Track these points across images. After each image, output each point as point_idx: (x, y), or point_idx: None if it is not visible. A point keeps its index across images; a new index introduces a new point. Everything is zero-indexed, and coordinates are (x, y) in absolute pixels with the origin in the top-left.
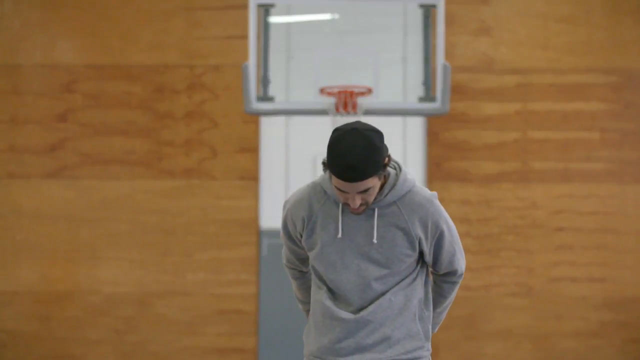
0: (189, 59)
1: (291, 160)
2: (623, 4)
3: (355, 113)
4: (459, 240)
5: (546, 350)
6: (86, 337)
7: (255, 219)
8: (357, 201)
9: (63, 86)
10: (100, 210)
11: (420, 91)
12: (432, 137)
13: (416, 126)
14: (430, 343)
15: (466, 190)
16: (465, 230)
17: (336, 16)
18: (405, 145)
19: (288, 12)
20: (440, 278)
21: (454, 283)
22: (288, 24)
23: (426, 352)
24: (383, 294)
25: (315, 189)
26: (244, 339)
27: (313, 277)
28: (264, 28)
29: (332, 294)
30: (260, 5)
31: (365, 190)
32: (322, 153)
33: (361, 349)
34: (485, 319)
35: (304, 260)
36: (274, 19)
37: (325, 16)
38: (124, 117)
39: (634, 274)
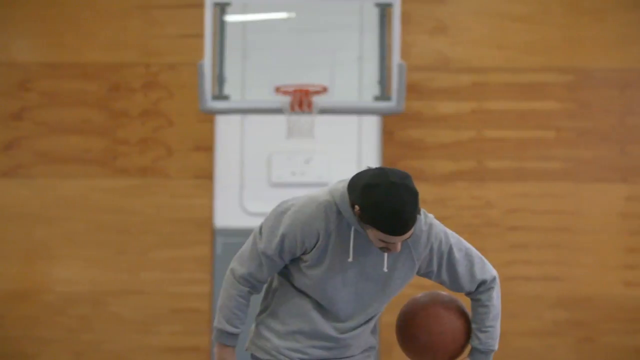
0: (145, 57)
1: (246, 159)
2: (580, 4)
3: (310, 112)
4: (474, 250)
5: (500, 349)
6: (40, 336)
7: (210, 217)
8: (400, 246)
9: (19, 84)
10: (55, 209)
11: (375, 90)
12: (387, 136)
13: (371, 125)
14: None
15: (421, 189)
16: None
17: (292, 15)
18: (360, 144)
19: (244, 10)
20: (475, 294)
21: (490, 289)
22: (244, 23)
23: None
24: (373, 317)
25: (331, 208)
26: (198, 338)
27: (292, 283)
28: (220, 27)
29: (321, 307)
30: (216, 4)
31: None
32: (278, 151)
33: (328, 357)
34: None
35: (269, 278)
36: (230, 18)
37: (282, 15)
38: (80, 115)
39: (589, 273)
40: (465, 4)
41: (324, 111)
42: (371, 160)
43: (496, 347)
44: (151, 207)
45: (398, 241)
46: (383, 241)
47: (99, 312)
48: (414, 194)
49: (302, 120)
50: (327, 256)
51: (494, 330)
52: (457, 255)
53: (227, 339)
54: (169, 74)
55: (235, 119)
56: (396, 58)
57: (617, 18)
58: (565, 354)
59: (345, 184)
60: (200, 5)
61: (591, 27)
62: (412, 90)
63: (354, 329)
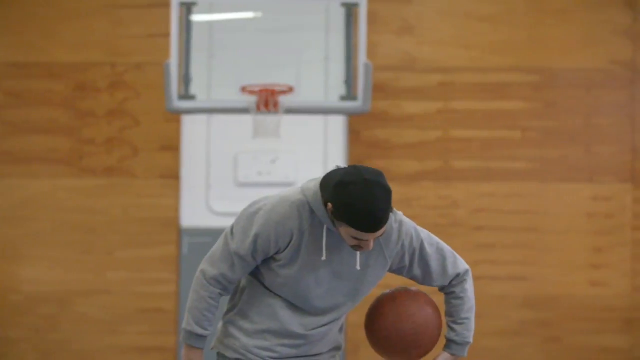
0: (111, 57)
1: (213, 158)
2: (545, 4)
3: (276, 112)
4: (445, 245)
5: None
6: (6, 336)
7: (176, 217)
8: (372, 244)
9: None
10: (22, 209)
11: (341, 90)
12: (354, 136)
13: (337, 125)
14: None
15: None
16: None
17: (259, 15)
18: (326, 144)
19: (210, 10)
20: (448, 287)
21: (463, 281)
22: (210, 23)
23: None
24: (342, 316)
25: (304, 207)
26: (165, 338)
27: (263, 283)
28: (187, 26)
29: (291, 306)
30: (182, 4)
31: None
32: (244, 151)
33: (298, 357)
34: None
35: (240, 279)
36: (196, 18)
37: (248, 15)
38: (46, 115)
39: (555, 273)
40: (432, 4)
41: (290, 111)
42: (337, 160)
43: (472, 339)
44: (117, 207)
45: (371, 239)
46: (356, 239)
47: (65, 312)
48: (388, 192)
49: (269, 120)
50: (300, 255)
51: (470, 322)
52: (429, 250)
53: (196, 341)
54: (135, 73)
55: (201, 118)
56: (362, 58)
57: (583, 18)
58: (531, 353)
59: (318, 183)
60: (167, 5)
61: (557, 27)
62: (379, 90)
63: (324, 325)
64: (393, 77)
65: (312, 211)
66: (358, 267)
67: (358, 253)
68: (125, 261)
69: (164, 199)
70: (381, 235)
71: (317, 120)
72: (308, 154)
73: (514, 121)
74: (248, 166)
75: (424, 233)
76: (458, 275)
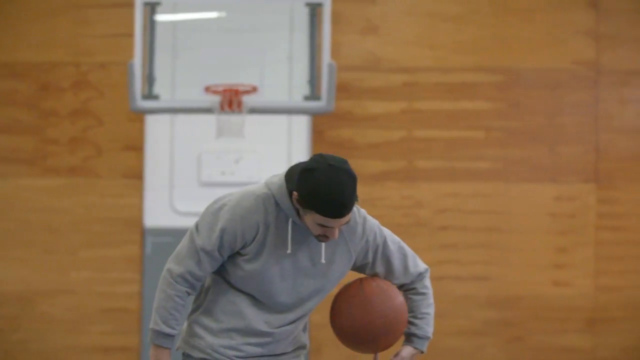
0: (75, 56)
1: (176, 158)
2: (509, 4)
3: (240, 111)
4: (405, 244)
5: (430, 348)
6: None
7: (139, 217)
8: (337, 232)
9: None
10: None
11: (305, 90)
12: (317, 136)
13: (301, 125)
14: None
15: None
16: None
17: (222, 14)
18: (290, 143)
19: (174, 10)
20: (409, 284)
21: (424, 278)
22: (174, 22)
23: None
24: (307, 313)
25: (269, 200)
26: (128, 338)
27: (228, 281)
28: (150, 26)
29: (257, 303)
30: (146, 4)
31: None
32: (207, 151)
33: (264, 355)
34: None
35: (207, 276)
36: (160, 17)
37: (212, 14)
38: (9, 115)
39: (518, 273)
40: (396, 4)
41: (254, 111)
42: (301, 159)
43: (431, 335)
44: (81, 206)
45: (336, 225)
46: (322, 226)
47: (28, 311)
48: (353, 178)
49: (232, 119)
50: (265, 249)
51: (430, 317)
52: (392, 247)
53: (164, 340)
54: (98, 73)
55: (165, 118)
56: (326, 58)
57: (546, 18)
58: (494, 353)
59: (282, 176)
60: (130, 5)
61: (520, 27)
62: (342, 90)
63: (289, 323)
64: (357, 77)
65: (277, 204)
66: (323, 260)
67: (323, 246)
68: (88, 261)
69: (128, 199)
70: (346, 224)
71: (280, 120)
72: (272, 153)
73: (478, 121)
74: (211, 166)
75: (387, 231)
76: (420, 274)
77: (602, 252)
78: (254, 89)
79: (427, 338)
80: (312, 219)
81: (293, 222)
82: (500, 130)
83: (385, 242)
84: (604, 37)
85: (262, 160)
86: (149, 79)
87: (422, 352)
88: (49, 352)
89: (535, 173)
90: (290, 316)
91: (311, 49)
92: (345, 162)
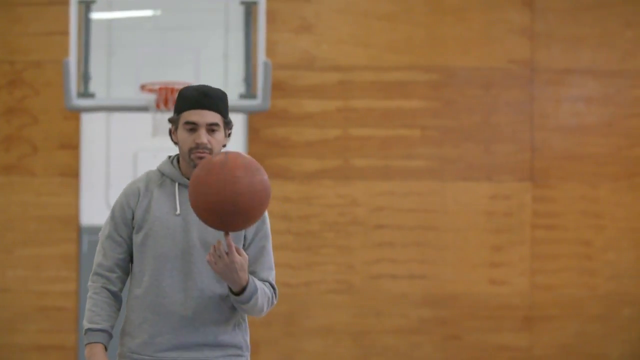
0: (9, 54)
1: (112, 156)
2: (443, 3)
3: None
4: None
5: (366, 347)
6: None
7: (75, 215)
8: (204, 137)
9: None
10: None
11: (241, 88)
12: (253, 134)
13: (237, 123)
14: (249, 353)
15: (287, 187)
16: (286, 227)
17: (158, 13)
18: None
19: (109, 8)
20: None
21: (271, 286)
22: (109, 20)
23: None
24: (210, 290)
25: (154, 173)
26: (64, 336)
27: (133, 274)
28: (85, 24)
29: (156, 284)
30: (81, 2)
31: (213, 129)
32: (143, 149)
33: (180, 347)
34: (305, 316)
35: (120, 264)
36: (95, 15)
37: (147, 13)
38: None
39: (454, 271)
40: (330, 3)
41: None
42: None
43: (245, 299)
44: (16, 204)
45: (201, 121)
46: (191, 130)
47: None
48: (221, 90)
49: (168, 118)
50: (151, 212)
51: (259, 289)
52: (268, 247)
53: (92, 336)
54: (33, 71)
55: (100, 116)
56: (261, 56)
57: (481, 17)
58: (430, 351)
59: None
60: (65, 3)
61: (454, 26)
62: (278, 88)
63: (198, 299)
64: (292, 75)
65: (162, 175)
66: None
67: None
68: (24, 259)
69: (64, 197)
70: (212, 129)
71: None
72: None
73: (413, 120)
74: (148, 164)
75: (270, 233)
76: (271, 284)
77: (538, 250)
78: None
79: (244, 288)
80: (182, 129)
81: (180, 185)
82: (435, 129)
83: (267, 233)
84: (538, 35)
85: None
86: (85, 77)
87: (234, 293)
88: None
89: (470, 172)
90: (193, 292)
91: (246, 47)
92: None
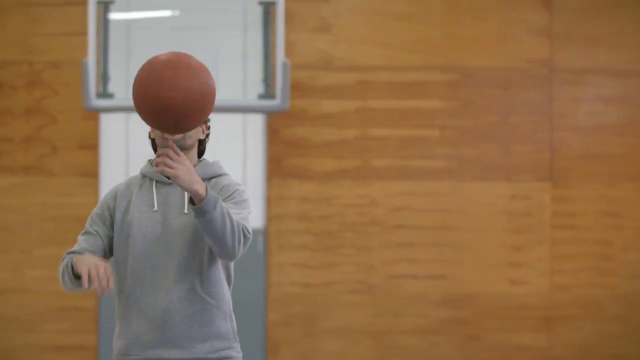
0: (28, 55)
1: (131, 157)
2: (461, 3)
3: None
4: (247, 205)
5: (386, 347)
6: None
7: None
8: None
9: None
10: None
11: (260, 88)
12: (272, 134)
13: (256, 123)
14: (239, 344)
15: (306, 187)
16: (305, 227)
17: (176, 13)
18: (245, 142)
19: (128, 8)
20: None
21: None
22: (128, 21)
23: (236, 353)
24: (191, 282)
25: (135, 176)
26: (84, 336)
27: (117, 276)
28: (104, 25)
29: (139, 283)
30: (99, 2)
31: None
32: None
33: (166, 343)
34: (325, 316)
35: (90, 250)
36: (113, 16)
37: (165, 13)
38: None
39: (473, 271)
40: (348, 3)
41: None
42: (256, 158)
43: (208, 206)
44: (35, 205)
45: None
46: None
47: None
48: None
49: None
50: (130, 212)
51: (222, 208)
52: (236, 201)
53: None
54: (52, 72)
55: (119, 117)
56: (280, 56)
57: (499, 17)
58: (450, 351)
59: None
60: (84, 3)
61: (472, 26)
62: (296, 88)
63: (181, 293)
64: (310, 75)
65: (143, 176)
66: (186, 212)
67: (186, 198)
68: (43, 259)
69: (83, 198)
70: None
71: (235, 118)
72: (226, 152)
73: (432, 120)
74: None
75: (241, 190)
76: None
77: (557, 250)
78: None
79: (206, 201)
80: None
81: (157, 183)
82: (454, 129)
83: (231, 193)
84: (557, 35)
85: (217, 158)
86: (103, 78)
87: (193, 203)
88: (4, 352)
89: (489, 172)
90: (170, 284)
91: (265, 47)
92: None
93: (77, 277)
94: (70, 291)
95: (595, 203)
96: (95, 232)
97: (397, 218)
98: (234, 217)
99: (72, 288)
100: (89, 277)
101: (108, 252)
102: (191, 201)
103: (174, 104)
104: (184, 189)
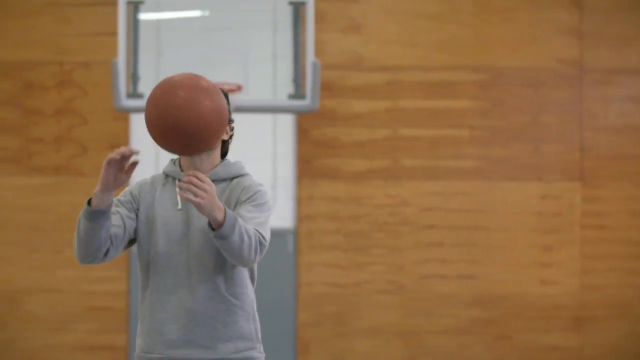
0: (58, 55)
1: (161, 157)
2: (491, 3)
3: None
4: (267, 214)
5: (416, 347)
6: None
7: None
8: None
9: None
10: None
11: (290, 88)
12: (302, 134)
13: (286, 123)
14: (261, 345)
15: (336, 187)
16: (335, 227)
17: (206, 13)
18: (275, 142)
19: (157, 9)
20: None
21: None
22: (158, 21)
23: (258, 354)
24: (214, 282)
25: (158, 175)
26: (115, 336)
27: (140, 274)
28: (134, 25)
29: (162, 281)
30: (129, 3)
31: None
32: None
33: (189, 343)
34: (355, 316)
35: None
36: (143, 16)
37: (195, 13)
38: None
39: (503, 271)
40: (378, 3)
41: (239, 109)
42: (286, 158)
43: (227, 230)
44: (66, 205)
45: None
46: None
47: (13, 310)
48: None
49: None
50: (154, 209)
51: (240, 226)
52: (258, 206)
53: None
54: (82, 72)
55: None
56: (310, 56)
57: (529, 17)
58: (479, 351)
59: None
60: (114, 4)
61: (502, 26)
62: (327, 88)
63: (202, 292)
64: (341, 75)
65: (166, 176)
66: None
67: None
68: (74, 259)
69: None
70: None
71: (265, 118)
72: (257, 152)
73: (462, 120)
74: None
75: (262, 191)
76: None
77: (588, 250)
78: (239, 88)
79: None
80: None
81: (180, 182)
82: (483, 129)
83: (253, 198)
84: (587, 35)
85: (247, 159)
86: (133, 78)
87: (212, 228)
88: (34, 351)
89: (519, 172)
90: (195, 283)
91: (295, 47)
92: None
93: (91, 216)
94: (83, 247)
95: (626, 203)
96: (115, 212)
97: (428, 218)
98: (251, 227)
99: (86, 235)
100: (109, 161)
101: (125, 232)
102: (209, 223)
103: (184, 125)
104: (204, 214)
